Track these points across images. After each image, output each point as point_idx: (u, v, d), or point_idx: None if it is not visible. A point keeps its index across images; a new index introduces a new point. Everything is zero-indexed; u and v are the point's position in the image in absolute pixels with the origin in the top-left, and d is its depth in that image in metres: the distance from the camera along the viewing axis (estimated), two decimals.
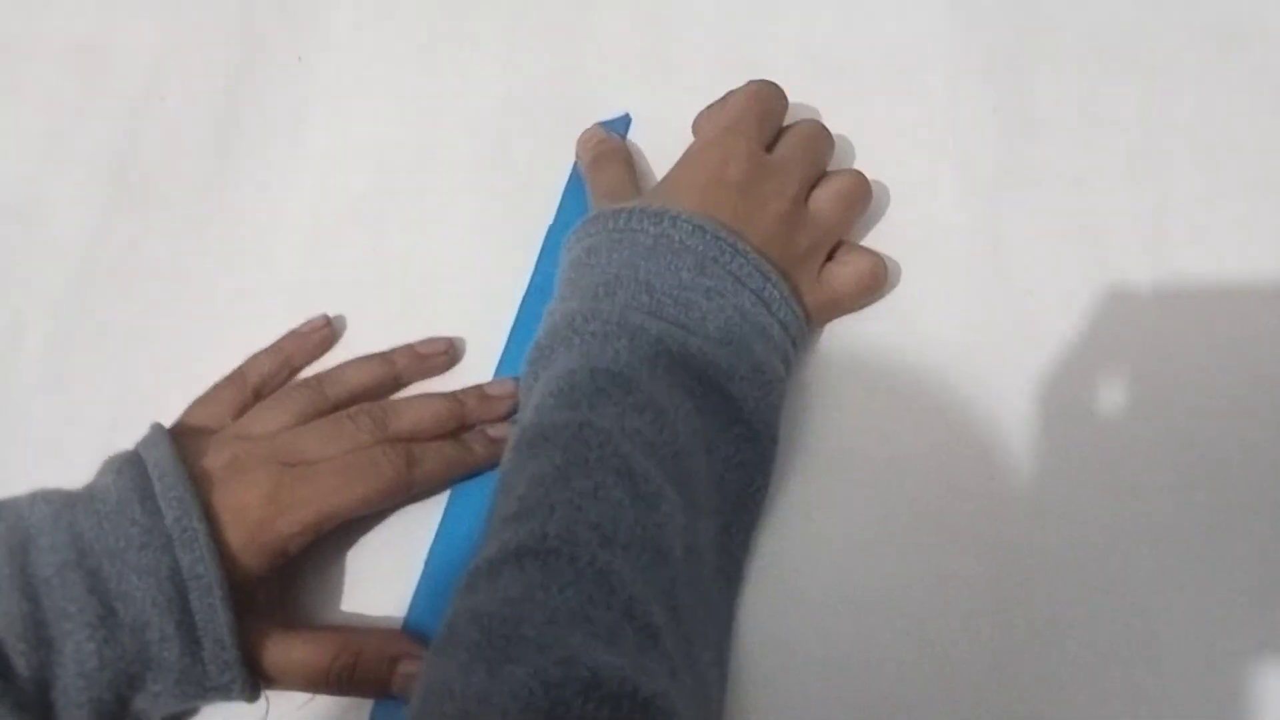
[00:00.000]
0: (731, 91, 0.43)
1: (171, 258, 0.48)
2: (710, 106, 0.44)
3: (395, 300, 0.45)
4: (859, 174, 0.41)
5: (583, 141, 0.46)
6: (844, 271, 0.40)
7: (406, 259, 0.46)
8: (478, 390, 0.41)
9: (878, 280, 0.41)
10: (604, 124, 0.47)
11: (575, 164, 0.47)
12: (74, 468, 0.37)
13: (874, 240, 0.43)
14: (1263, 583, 0.35)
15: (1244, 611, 0.34)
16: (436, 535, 0.39)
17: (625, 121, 0.48)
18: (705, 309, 0.37)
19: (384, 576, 0.38)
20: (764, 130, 0.42)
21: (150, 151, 0.50)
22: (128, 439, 0.38)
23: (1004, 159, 0.44)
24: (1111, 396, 0.38)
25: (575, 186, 0.46)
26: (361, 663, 0.35)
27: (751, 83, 0.43)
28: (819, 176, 0.41)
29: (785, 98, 0.43)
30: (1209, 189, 0.42)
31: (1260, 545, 0.35)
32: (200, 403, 0.41)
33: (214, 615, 0.33)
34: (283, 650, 0.35)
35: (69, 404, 0.45)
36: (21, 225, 0.49)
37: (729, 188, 0.39)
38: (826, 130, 0.42)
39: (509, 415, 0.41)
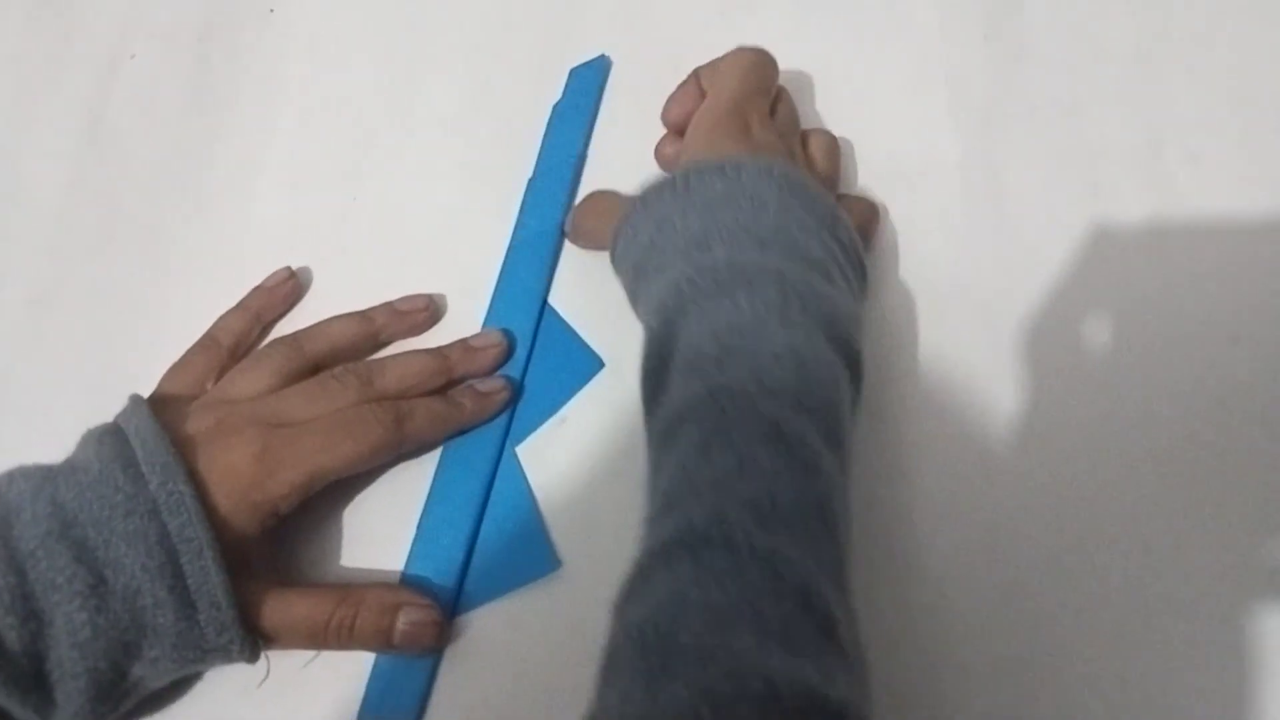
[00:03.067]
0: (707, 65, 0.41)
1: (146, 217, 0.47)
2: (684, 85, 0.41)
3: (377, 257, 0.44)
4: (829, 131, 0.41)
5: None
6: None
7: (387, 214, 0.45)
8: (461, 344, 0.40)
9: (878, 219, 0.40)
10: (582, 66, 0.46)
11: (554, 108, 0.46)
12: (56, 436, 0.36)
13: (868, 173, 0.42)
14: (1261, 513, 0.34)
15: (1241, 543, 0.34)
16: (430, 492, 0.38)
17: (604, 63, 0.46)
18: (805, 243, 0.34)
19: (379, 535, 0.38)
20: (769, 97, 0.40)
21: (122, 109, 0.49)
22: (107, 403, 0.37)
23: (997, 88, 0.43)
24: (1103, 325, 0.38)
25: (554, 135, 0.45)
26: (362, 614, 0.35)
27: (744, 51, 0.40)
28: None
29: (777, 65, 0.41)
30: (1203, 114, 0.41)
31: (1258, 475, 0.35)
32: (176, 370, 0.41)
33: (207, 577, 0.33)
34: (282, 607, 0.34)
35: (48, 369, 0.44)
36: None
37: (759, 148, 0.37)
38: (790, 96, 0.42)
39: (497, 367, 0.40)
